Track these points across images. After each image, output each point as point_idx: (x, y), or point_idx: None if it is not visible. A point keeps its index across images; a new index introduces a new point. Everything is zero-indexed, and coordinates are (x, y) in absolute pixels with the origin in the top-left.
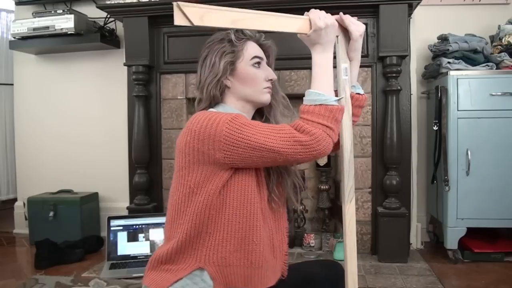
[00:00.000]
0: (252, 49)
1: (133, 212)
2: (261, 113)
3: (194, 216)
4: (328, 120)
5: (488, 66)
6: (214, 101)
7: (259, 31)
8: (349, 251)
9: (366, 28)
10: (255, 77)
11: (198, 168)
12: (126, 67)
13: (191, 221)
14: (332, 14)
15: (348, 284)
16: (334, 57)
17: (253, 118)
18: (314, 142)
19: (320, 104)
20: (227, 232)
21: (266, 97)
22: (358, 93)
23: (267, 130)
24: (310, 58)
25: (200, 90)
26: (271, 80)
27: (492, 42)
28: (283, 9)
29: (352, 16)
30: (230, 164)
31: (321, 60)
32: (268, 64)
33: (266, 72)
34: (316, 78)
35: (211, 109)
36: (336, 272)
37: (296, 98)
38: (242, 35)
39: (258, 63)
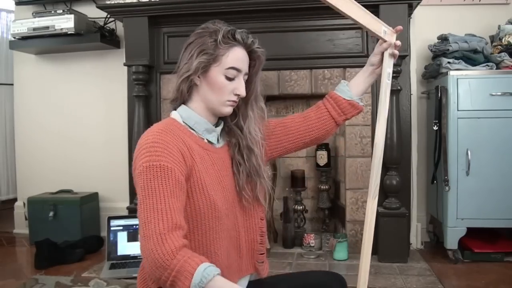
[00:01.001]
0: (232, 59)
1: (133, 212)
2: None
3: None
4: (174, 274)
5: (488, 66)
6: (181, 97)
7: (253, 38)
8: (367, 244)
9: None
10: (222, 87)
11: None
12: (126, 67)
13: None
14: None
15: (362, 270)
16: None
17: (226, 119)
18: (148, 255)
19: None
20: None
21: (226, 110)
22: (357, 102)
23: (155, 207)
24: (310, 58)
25: (176, 77)
26: (238, 95)
27: (492, 42)
28: (283, 9)
29: None
30: None
31: None
32: (252, 72)
33: (237, 85)
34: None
35: (173, 113)
36: (342, 284)
37: (296, 98)
38: (231, 39)
39: (233, 74)
